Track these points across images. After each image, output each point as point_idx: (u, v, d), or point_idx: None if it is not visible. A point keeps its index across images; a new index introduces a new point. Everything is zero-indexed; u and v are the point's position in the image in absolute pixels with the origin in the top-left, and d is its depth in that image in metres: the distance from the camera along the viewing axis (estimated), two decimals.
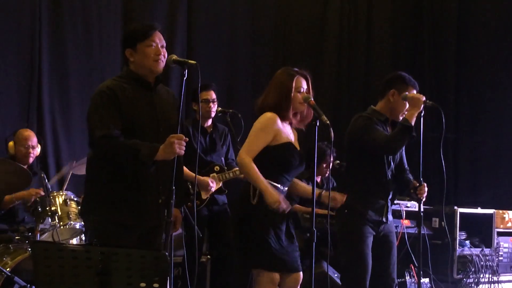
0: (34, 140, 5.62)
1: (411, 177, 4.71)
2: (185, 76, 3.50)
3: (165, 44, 3.68)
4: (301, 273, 4.13)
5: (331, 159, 6.26)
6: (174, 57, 3.59)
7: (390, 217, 4.63)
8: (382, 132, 4.48)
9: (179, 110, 3.48)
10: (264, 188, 3.90)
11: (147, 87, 3.65)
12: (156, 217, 3.59)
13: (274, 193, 3.90)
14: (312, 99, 4.01)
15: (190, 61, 3.54)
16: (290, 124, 4.17)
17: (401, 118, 4.51)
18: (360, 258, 4.45)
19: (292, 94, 4.05)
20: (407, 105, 4.51)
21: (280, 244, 3.99)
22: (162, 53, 3.62)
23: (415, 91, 4.56)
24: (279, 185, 4.01)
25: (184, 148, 3.43)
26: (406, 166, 4.76)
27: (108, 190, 3.56)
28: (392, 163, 4.60)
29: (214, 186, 5.45)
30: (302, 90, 4.07)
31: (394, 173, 4.64)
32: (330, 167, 5.98)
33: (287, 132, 4.09)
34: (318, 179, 6.57)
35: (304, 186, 4.30)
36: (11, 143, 5.60)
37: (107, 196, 3.55)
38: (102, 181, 3.58)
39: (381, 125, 4.56)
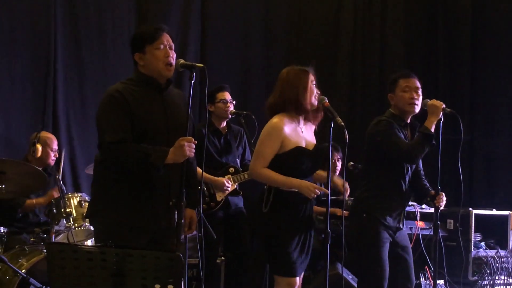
0: (56, 142, 5.72)
1: (426, 183, 4.67)
2: (193, 80, 3.48)
3: (173, 46, 3.66)
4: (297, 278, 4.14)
5: (339, 160, 6.28)
6: (182, 61, 3.57)
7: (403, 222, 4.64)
8: (403, 139, 4.46)
9: (188, 113, 3.47)
10: (295, 185, 3.95)
11: (158, 89, 3.65)
12: (167, 219, 3.57)
13: (303, 184, 3.94)
14: (327, 101, 4.01)
15: (197, 64, 3.53)
16: (306, 119, 4.17)
17: (413, 109, 4.53)
18: (378, 264, 4.45)
19: (309, 87, 4.06)
20: (405, 95, 4.54)
21: (293, 252, 3.99)
22: (171, 55, 3.61)
23: (407, 79, 4.58)
24: (292, 189, 4.01)
25: (194, 150, 3.42)
26: (422, 171, 4.73)
27: (116, 192, 3.54)
28: (410, 169, 4.58)
29: (230, 186, 5.44)
30: (314, 84, 4.10)
31: (411, 178, 4.62)
32: (338, 168, 6.03)
33: (297, 134, 4.07)
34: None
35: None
36: (38, 145, 5.59)
37: (115, 198, 3.54)
38: (110, 183, 3.57)
39: (401, 130, 4.55)
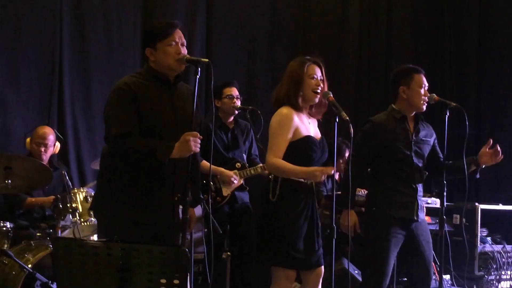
0: (50, 138, 5.64)
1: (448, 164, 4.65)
2: (198, 75, 3.48)
3: (185, 42, 3.66)
4: (322, 267, 4.11)
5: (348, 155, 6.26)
6: (187, 56, 3.58)
7: (421, 215, 4.60)
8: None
9: (193, 108, 3.47)
10: (304, 173, 3.92)
11: (167, 84, 3.65)
12: (171, 215, 3.58)
13: (309, 170, 3.90)
14: (331, 95, 3.99)
15: (202, 59, 3.53)
16: (309, 114, 4.14)
17: (424, 106, 4.54)
18: (383, 259, 4.45)
19: (304, 81, 4.01)
20: (422, 91, 4.51)
21: (298, 243, 3.96)
22: (183, 51, 3.60)
23: (421, 75, 4.56)
24: (302, 180, 3.99)
25: (199, 145, 3.42)
26: (441, 158, 4.67)
27: (122, 186, 3.54)
28: (415, 160, 4.55)
29: (236, 180, 5.43)
30: (315, 77, 4.03)
31: (425, 165, 4.61)
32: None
33: (305, 125, 4.05)
34: (337, 175, 6.54)
35: None
36: (28, 139, 5.65)
37: (121, 192, 3.54)
38: (116, 176, 3.57)
39: (397, 123, 4.56)
